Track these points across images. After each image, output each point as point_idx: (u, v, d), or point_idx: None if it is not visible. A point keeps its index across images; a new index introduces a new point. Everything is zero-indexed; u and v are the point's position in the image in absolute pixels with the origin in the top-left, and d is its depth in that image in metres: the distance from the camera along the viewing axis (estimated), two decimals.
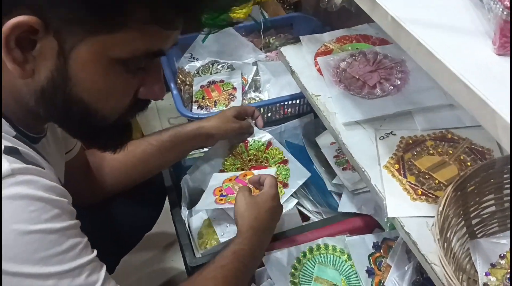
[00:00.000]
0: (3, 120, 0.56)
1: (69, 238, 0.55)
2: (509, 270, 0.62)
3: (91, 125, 0.60)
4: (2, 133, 0.55)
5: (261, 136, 1.14)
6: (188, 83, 1.41)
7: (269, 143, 1.12)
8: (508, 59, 0.49)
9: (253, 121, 1.13)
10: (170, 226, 1.33)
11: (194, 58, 1.51)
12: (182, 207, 1.17)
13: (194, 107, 1.35)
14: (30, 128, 0.61)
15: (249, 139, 1.12)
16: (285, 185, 1.08)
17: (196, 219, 1.13)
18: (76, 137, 0.72)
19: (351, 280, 0.94)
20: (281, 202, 0.97)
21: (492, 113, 0.44)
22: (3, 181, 0.50)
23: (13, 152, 0.53)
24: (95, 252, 0.59)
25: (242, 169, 1.09)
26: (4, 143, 0.53)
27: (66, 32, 0.51)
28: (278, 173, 1.07)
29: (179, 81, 1.42)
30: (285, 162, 1.09)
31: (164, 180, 1.20)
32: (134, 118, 0.67)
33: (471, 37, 0.52)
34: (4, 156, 0.51)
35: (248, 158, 1.11)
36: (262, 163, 1.09)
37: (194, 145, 1.08)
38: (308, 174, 1.09)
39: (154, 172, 1.04)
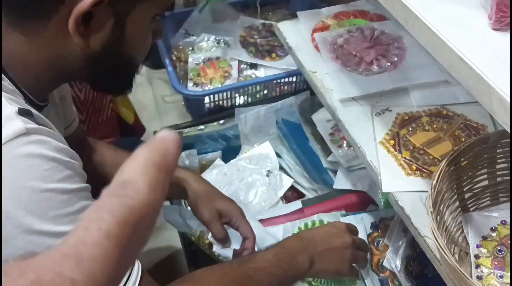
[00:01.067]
0: (13, 86, 0.59)
1: (80, 200, 0.56)
2: (500, 242, 0.63)
3: (127, 74, 0.70)
4: (15, 97, 0.56)
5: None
6: (183, 59, 1.40)
7: None
8: (504, 33, 0.50)
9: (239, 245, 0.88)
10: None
11: (189, 34, 1.49)
12: None
13: (189, 84, 1.34)
14: (36, 95, 0.63)
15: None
16: None
17: None
18: (99, 88, 0.83)
19: None
20: None
21: (487, 88, 0.45)
22: (18, 139, 0.51)
23: (27, 113, 0.54)
24: None
25: None
26: (18, 105, 0.54)
27: (120, 2, 0.59)
28: None
29: (174, 58, 1.41)
30: None
31: None
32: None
33: (468, 11, 0.52)
34: (18, 117, 0.53)
35: None
36: None
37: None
38: None
39: None
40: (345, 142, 1.14)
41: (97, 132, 1.30)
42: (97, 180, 0.91)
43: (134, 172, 0.23)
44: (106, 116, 1.35)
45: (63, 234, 0.53)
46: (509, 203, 0.68)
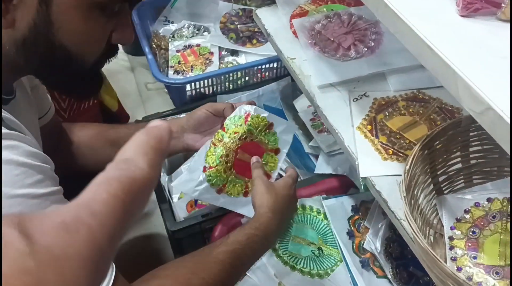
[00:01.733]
0: None
1: (52, 204, 0.56)
2: (473, 224, 0.65)
3: (71, 71, 0.64)
4: None
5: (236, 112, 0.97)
6: (163, 47, 1.39)
7: (247, 115, 0.94)
8: (471, 19, 0.50)
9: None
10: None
11: (169, 21, 1.48)
12: (162, 173, 1.18)
13: (170, 72, 1.34)
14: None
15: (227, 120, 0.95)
16: (276, 151, 0.97)
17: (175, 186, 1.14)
18: (53, 86, 0.77)
19: (327, 238, 0.97)
20: (277, 169, 0.94)
21: (453, 75, 0.46)
22: None
23: None
24: None
25: (227, 156, 0.93)
26: None
27: None
28: (266, 141, 0.95)
29: (154, 45, 1.40)
30: (270, 127, 0.96)
31: None
32: (103, 66, 0.71)
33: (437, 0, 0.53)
34: None
35: (231, 141, 0.93)
36: (247, 139, 0.94)
37: None
38: (291, 126, 1.02)
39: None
40: (325, 127, 1.16)
41: (79, 120, 1.29)
42: (76, 164, 0.92)
43: (135, 152, 0.27)
44: (88, 104, 1.34)
45: None
46: (482, 185, 0.70)
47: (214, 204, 0.93)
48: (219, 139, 0.94)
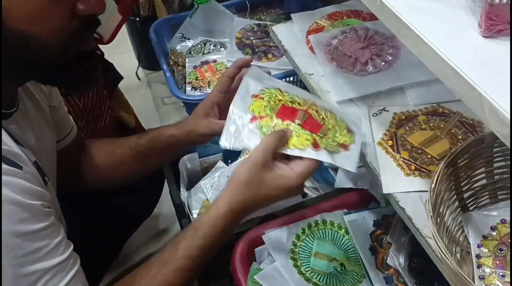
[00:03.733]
0: None
1: (35, 241, 0.56)
2: (500, 241, 0.65)
3: (40, 58, 0.57)
4: None
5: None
6: (180, 63, 1.41)
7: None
8: (494, 40, 0.50)
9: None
10: (169, 208, 1.35)
11: (185, 37, 1.50)
12: (181, 189, 1.19)
13: (188, 88, 1.35)
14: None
15: None
16: (344, 146, 0.75)
17: (195, 200, 1.15)
18: (38, 80, 0.68)
19: (349, 253, 0.97)
20: (352, 168, 0.72)
21: (479, 96, 0.46)
22: None
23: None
24: (68, 250, 0.60)
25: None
26: None
27: None
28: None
29: (171, 62, 1.42)
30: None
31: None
32: (88, 46, 0.64)
33: (459, 20, 0.53)
34: None
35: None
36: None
37: (172, 153, 0.98)
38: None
39: (134, 176, 0.95)
40: None
41: (96, 138, 1.30)
42: (96, 183, 0.93)
43: None
44: (104, 123, 1.36)
45: (8, 278, 0.53)
46: (508, 201, 0.69)
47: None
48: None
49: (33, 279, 0.56)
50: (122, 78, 1.42)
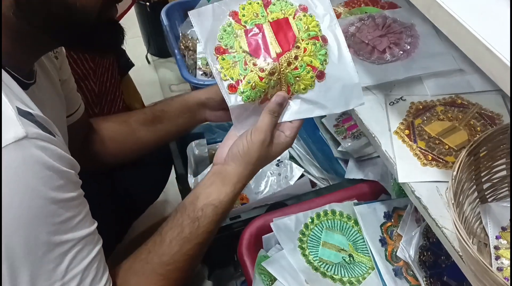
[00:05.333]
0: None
1: (68, 210, 0.55)
2: None
3: (77, 24, 0.60)
4: (12, 91, 0.54)
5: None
6: (191, 48, 1.39)
7: (303, 8, 0.73)
8: None
9: None
10: (175, 195, 1.34)
11: None
12: (189, 175, 1.18)
13: (199, 73, 1.34)
14: (20, 69, 0.60)
15: None
16: (320, 76, 0.73)
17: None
18: (69, 45, 0.73)
19: (358, 245, 0.95)
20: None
21: None
22: (19, 143, 0.49)
23: (27, 115, 0.53)
24: (94, 225, 0.60)
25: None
26: (17, 104, 0.53)
27: None
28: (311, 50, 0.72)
29: (182, 47, 1.40)
30: (324, 40, 0.73)
31: (170, 148, 1.20)
32: (115, 15, 0.67)
33: None
34: (19, 118, 0.51)
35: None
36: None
37: (187, 117, 0.96)
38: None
39: (149, 146, 0.96)
40: (350, 133, 1.14)
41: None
42: (102, 160, 0.92)
43: None
44: (118, 108, 1.35)
45: (43, 244, 0.52)
46: None
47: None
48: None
49: (65, 248, 0.54)
50: (133, 65, 1.41)
